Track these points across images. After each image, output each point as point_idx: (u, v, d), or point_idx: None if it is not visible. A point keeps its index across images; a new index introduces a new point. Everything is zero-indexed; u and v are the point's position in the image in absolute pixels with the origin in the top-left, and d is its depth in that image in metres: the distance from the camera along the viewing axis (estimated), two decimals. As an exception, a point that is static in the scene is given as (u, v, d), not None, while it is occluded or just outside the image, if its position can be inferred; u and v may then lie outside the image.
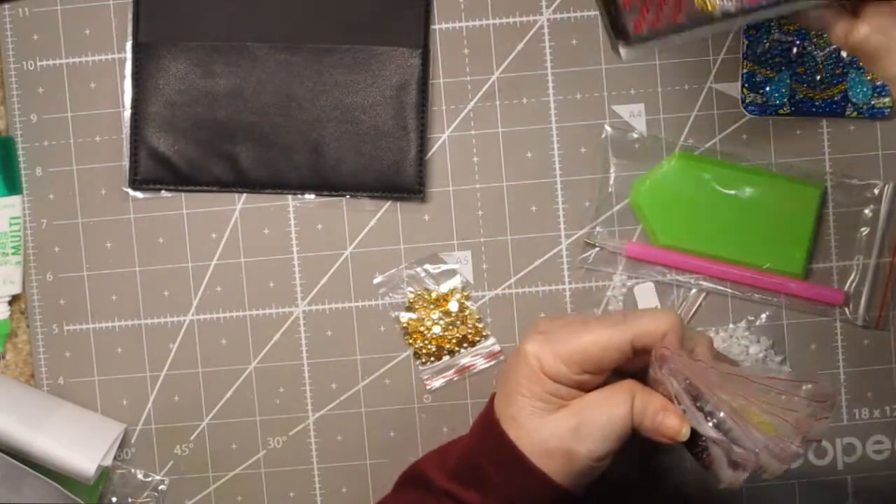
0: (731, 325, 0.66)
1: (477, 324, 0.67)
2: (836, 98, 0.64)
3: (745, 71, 0.64)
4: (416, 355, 0.67)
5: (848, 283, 0.65)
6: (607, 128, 0.66)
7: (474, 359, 0.67)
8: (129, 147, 0.67)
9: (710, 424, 0.51)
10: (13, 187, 0.67)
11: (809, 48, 0.64)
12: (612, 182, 0.66)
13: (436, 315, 0.67)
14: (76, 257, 0.68)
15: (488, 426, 0.55)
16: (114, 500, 0.68)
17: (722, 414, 0.50)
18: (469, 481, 0.54)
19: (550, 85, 0.66)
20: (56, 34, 0.67)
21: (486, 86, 0.66)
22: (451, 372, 0.67)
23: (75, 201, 0.68)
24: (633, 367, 0.54)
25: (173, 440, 0.68)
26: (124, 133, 0.67)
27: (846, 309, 0.65)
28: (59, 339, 0.68)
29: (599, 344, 0.52)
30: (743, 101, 0.65)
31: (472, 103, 0.66)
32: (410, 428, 0.67)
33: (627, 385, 0.53)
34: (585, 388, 0.54)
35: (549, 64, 0.66)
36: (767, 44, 0.64)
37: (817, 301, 0.65)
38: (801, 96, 0.64)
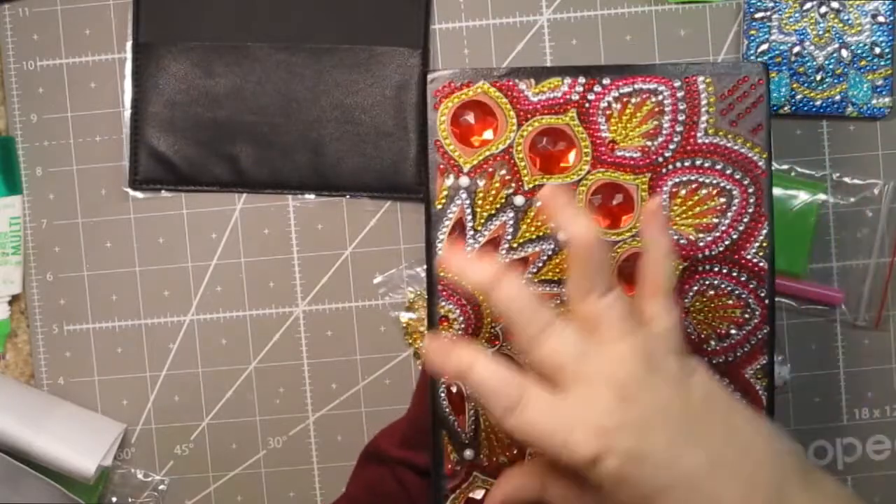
0: (731, 325, 0.66)
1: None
2: (836, 98, 0.64)
3: (745, 71, 0.64)
4: (416, 355, 0.67)
5: (848, 284, 0.65)
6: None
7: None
8: (129, 147, 0.67)
9: None
10: (13, 187, 0.67)
11: (809, 48, 0.64)
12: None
13: (436, 315, 0.67)
14: (76, 257, 0.68)
15: (426, 390, 0.57)
16: (114, 500, 0.68)
17: None
18: (419, 444, 0.57)
19: (550, 85, 0.66)
20: (56, 34, 0.67)
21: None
22: (451, 372, 0.67)
23: (75, 201, 0.68)
24: None
25: (173, 440, 0.68)
26: (124, 133, 0.67)
27: (846, 309, 0.65)
28: (59, 339, 0.68)
29: None
30: (743, 101, 0.65)
31: (472, 103, 0.66)
32: (410, 428, 0.67)
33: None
34: None
35: (549, 64, 0.66)
36: (767, 44, 0.64)
37: (817, 301, 0.65)
38: (801, 96, 0.64)
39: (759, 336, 0.55)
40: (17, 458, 0.63)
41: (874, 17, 0.63)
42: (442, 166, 0.55)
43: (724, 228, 0.55)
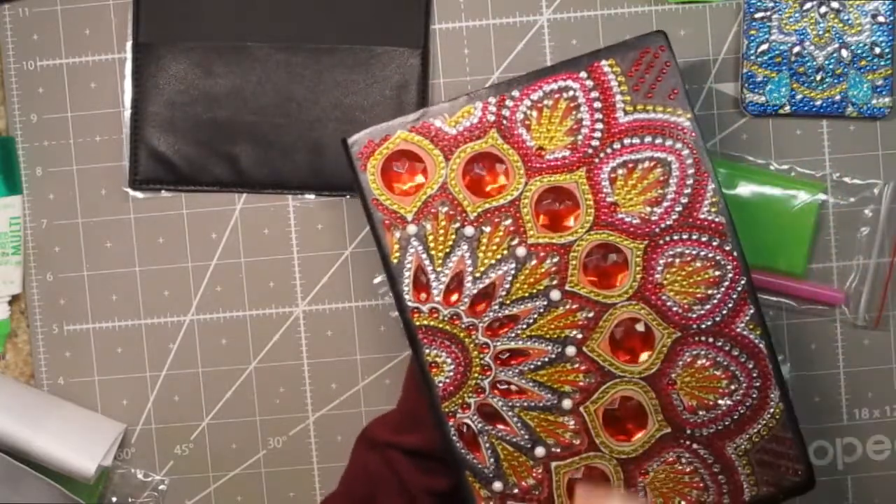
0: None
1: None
2: (836, 98, 0.64)
3: (745, 71, 0.64)
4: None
5: (848, 283, 0.65)
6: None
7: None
8: (129, 147, 0.67)
9: None
10: (13, 187, 0.67)
11: (809, 48, 0.64)
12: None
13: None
14: (76, 257, 0.68)
15: (414, 378, 0.59)
16: (114, 500, 0.68)
17: None
18: (408, 428, 0.58)
19: (550, 85, 0.66)
20: (56, 34, 0.67)
21: (487, 86, 0.66)
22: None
23: (75, 201, 0.68)
24: None
25: (173, 440, 0.68)
26: (124, 133, 0.67)
27: (846, 309, 0.65)
28: (59, 339, 0.68)
29: None
30: (743, 101, 0.65)
31: (472, 103, 0.67)
32: (410, 428, 0.67)
33: None
34: None
35: (549, 64, 0.66)
36: (767, 44, 0.64)
37: (817, 301, 0.65)
38: (801, 96, 0.64)
39: (739, 289, 0.55)
40: (17, 458, 0.63)
41: (874, 17, 0.63)
42: (386, 222, 0.56)
43: (672, 196, 0.55)
